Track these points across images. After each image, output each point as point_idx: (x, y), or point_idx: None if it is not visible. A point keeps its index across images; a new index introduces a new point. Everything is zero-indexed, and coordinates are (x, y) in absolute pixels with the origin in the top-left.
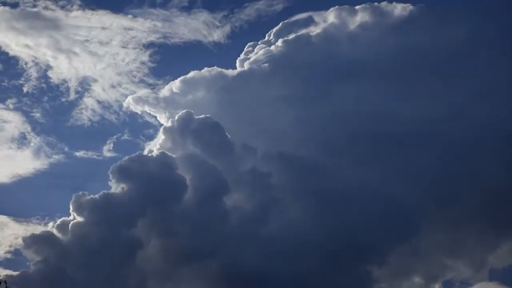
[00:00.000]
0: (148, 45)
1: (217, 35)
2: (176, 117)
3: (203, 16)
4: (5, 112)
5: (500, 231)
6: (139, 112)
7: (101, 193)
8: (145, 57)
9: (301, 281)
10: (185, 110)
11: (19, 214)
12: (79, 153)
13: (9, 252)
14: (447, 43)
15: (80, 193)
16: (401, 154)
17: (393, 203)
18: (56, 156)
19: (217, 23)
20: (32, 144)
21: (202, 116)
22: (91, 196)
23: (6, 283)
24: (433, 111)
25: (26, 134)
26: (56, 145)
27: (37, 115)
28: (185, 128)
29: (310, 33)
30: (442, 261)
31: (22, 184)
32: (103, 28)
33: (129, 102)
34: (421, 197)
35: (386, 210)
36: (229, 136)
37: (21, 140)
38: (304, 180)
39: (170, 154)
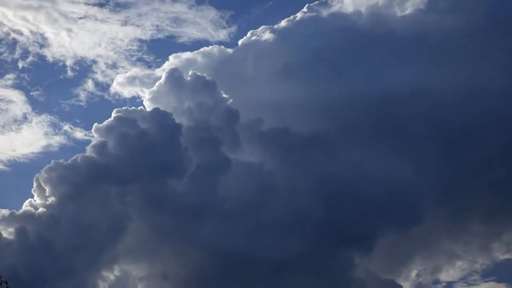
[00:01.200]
0: (150, 37)
1: (223, 35)
2: (163, 77)
3: (211, 14)
4: (5, 91)
5: (504, 218)
6: (127, 93)
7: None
8: (145, 36)
9: (291, 265)
10: (172, 67)
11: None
12: (80, 134)
13: None
14: (462, 25)
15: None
16: (405, 138)
17: (394, 190)
18: (56, 137)
19: (224, 24)
20: (33, 124)
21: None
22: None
23: (7, 283)
24: (441, 95)
25: (27, 115)
26: (57, 126)
27: (36, 93)
28: (174, 86)
29: (319, 14)
30: (444, 248)
31: (22, 169)
32: (101, 6)
33: (117, 82)
34: (424, 184)
35: (386, 196)
36: (227, 99)
37: (22, 121)
38: (299, 163)
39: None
